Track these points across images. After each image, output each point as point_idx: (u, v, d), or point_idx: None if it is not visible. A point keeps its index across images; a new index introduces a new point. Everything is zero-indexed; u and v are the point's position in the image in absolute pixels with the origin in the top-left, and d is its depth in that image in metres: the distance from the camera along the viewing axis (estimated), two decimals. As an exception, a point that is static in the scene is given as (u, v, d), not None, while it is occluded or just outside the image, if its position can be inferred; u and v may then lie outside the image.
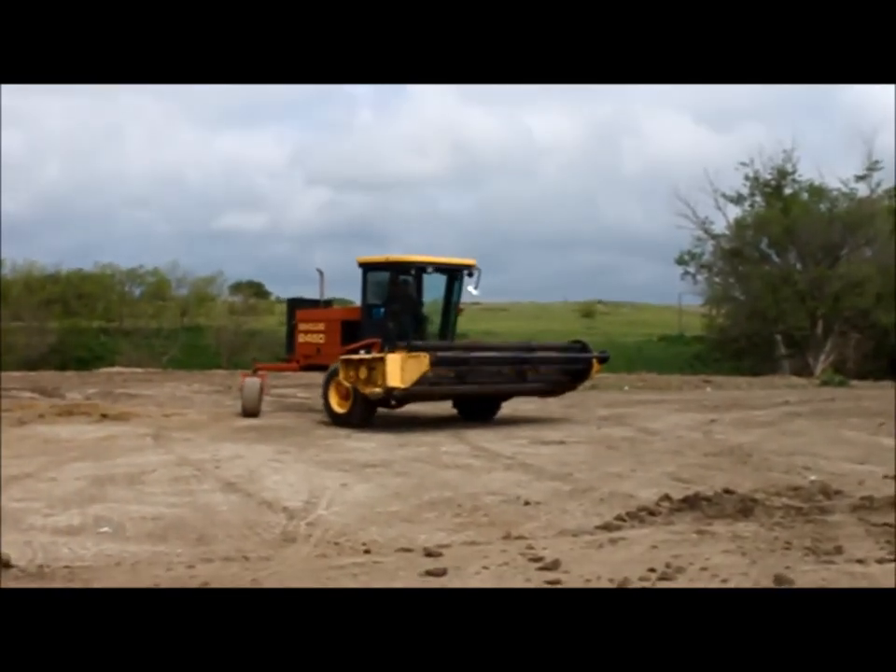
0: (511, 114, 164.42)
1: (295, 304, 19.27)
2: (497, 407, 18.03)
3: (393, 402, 16.05)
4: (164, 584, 6.46)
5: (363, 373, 15.30)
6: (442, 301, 17.89)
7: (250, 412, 17.49)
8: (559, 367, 18.04)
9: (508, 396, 18.05)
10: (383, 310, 17.16)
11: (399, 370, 14.70)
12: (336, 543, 7.80)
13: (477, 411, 17.72)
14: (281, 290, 71.09)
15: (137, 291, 57.40)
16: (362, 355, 15.76)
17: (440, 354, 15.25)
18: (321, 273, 18.34)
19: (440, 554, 7.36)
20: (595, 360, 17.85)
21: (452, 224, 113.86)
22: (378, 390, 15.04)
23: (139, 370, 35.34)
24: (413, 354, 14.81)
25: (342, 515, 8.89)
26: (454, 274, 17.69)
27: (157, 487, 10.22)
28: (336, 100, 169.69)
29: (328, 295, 19.14)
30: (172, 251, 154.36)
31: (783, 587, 6.17)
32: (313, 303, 18.81)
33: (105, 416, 17.08)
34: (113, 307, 55.54)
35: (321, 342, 17.83)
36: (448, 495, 9.96)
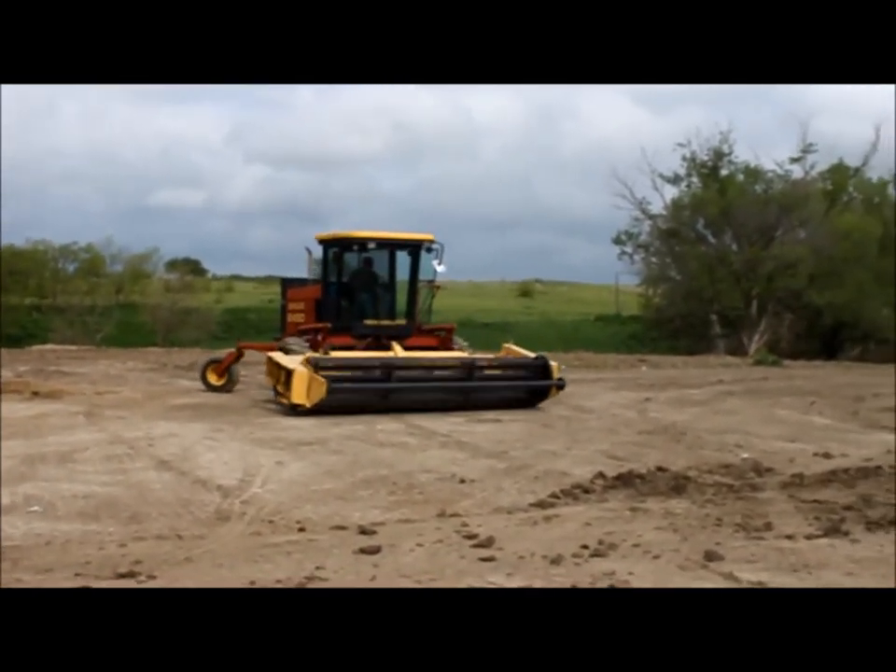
0: (451, 95, 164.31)
1: (287, 284, 19.28)
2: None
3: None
4: (95, 563, 6.40)
5: (281, 377, 14.69)
6: (408, 278, 17.59)
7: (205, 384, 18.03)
8: (509, 386, 16.67)
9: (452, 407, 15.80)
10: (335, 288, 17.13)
11: (305, 388, 14.12)
12: (270, 521, 7.78)
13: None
14: (218, 268, 70.56)
15: (71, 268, 56.47)
16: (280, 359, 15.01)
17: (335, 385, 14.21)
18: (309, 252, 18.26)
19: (374, 532, 7.37)
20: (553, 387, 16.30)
21: (392, 203, 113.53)
22: (285, 401, 14.55)
23: (72, 347, 34.76)
24: (317, 375, 14.12)
25: (276, 493, 8.86)
26: (411, 251, 17.34)
27: (89, 466, 10.09)
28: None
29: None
30: (106, 227, 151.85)
31: (783, 586, 6.09)
32: (302, 282, 18.74)
33: (36, 394, 16.81)
34: (46, 284, 54.65)
35: (302, 320, 17.76)
36: (383, 473, 9.96)
